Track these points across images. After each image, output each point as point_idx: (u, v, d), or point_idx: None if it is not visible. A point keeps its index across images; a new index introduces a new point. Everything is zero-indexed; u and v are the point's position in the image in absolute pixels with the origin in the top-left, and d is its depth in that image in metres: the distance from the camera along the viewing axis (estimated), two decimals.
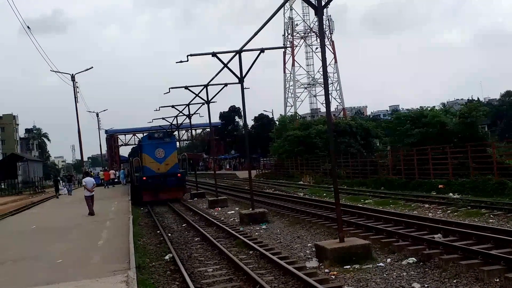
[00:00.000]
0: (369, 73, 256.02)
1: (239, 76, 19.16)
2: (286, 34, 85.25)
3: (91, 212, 20.48)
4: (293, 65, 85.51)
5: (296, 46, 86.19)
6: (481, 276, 8.73)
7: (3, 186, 62.51)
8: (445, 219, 15.12)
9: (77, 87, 40.16)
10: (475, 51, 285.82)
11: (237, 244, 13.80)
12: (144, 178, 29.50)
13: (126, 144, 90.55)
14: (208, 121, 30.47)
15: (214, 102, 28.08)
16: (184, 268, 11.05)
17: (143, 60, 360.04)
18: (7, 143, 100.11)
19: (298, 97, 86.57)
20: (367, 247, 10.92)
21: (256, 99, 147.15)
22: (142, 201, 29.24)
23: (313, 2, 11.33)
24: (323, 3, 11.39)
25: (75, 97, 39.89)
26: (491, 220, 14.73)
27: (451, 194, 21.02)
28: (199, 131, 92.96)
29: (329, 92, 13.09)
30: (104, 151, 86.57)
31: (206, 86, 25.80)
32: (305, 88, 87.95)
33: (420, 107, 35.94)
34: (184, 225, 19.65)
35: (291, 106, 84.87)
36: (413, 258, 10.47)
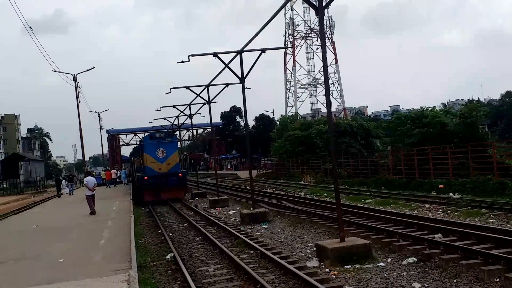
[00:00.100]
0: (370, 73, 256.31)
1: (240, 76, 19.20)
2: (287, 35, 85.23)
3: (92, 212, 20.53)
4: (294, 65, 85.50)
5: (297, 47, 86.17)
6: (481, 276, 8.77)
7: (5, 186, 62.64)
8: (445, 219, 15.15)
9: (79, 87, 40.21)
10: (475, 51, 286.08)
11: (238, 244, 13.84)
12: (146, 177, 29.56)
13: (127, 144, 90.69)
14: (209, 121, 30.51)
15: (215, 102, 28.17)
16: (185, 268, 11.09)
17: (143, 60, 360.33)
18: (9, 142, 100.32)
19: (299, 97, 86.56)
20: (368, 246, 10.95)
21: (257, 99, 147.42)
22: (144, 201, 29.29)
23: (314, 2, 11.38)
24: (324, 4, 11.43)
25: (76, 97, 39.95)
26: (491, 220, 14.76)
27: (451, 194, 21.04)
28: (200, 131, 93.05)
29: (330, 92, 13.11)
30: (105, 151, 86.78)
31: (207, 86, 25.85)
32: (306, 88, 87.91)
33: (421, 107, 36.00)
34: (185, 224, 19.69)
35: (292, 106, 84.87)
36: (414, 258, 10.51)
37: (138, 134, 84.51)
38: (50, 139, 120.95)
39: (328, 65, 12.47)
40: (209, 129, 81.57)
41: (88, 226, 17.20)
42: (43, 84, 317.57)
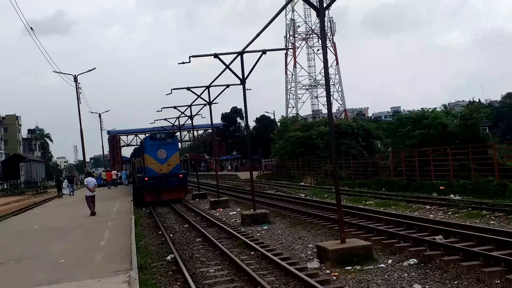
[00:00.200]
0: (370, 73, 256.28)
1: (240, 77, 19.21)
2: (288, 36, 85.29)
3: (92, 212, 20.56)
4: (294, 66, 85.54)
5: (298, 48, 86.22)
6: (482, 278, 8.76)
7: (5, 186, 62.69)
8: (446, 220, 15.14)
9: (80, 88, 40.19)
10: (475, 51, 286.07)
11: (238, 245, 13.84)
12: (146, 178, 29.57)
13: (128, 145, 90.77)
14: (210, 122, 30.54)
15: (216, 103, 28.18)
16: (185, 269, 11.10)
17: (143, 60, 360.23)
18: (9, 143, 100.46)
19: (299, 99, 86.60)
20: (368, 248, 10.95)
21: (257, 100, 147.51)
22: (144, 202, 29.30)
23: (315, 4, 11.38)
24: (324, 5, 11.44)
25: (77, 98, 39.89)
26: (492, 222, 14.74)
27: (452, 195, 21.03)
28: (201, 132, 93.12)
29: (331, 94, 13.12)
30: (106, 151, 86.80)
31: (208, 87, 25.87)
32: (307, 89, 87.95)
33: (422, 108, 36.08)
34: (185, 225, 19.70)
35: (293, 107, 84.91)
36: (414, 259, 10.50)
37: (138, 135, 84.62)
38: (51, 140, 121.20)
39: (328, 66, 12.48)
40: (210, 130, 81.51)
41: (88, 227, 17.22)
42: (43, 84, 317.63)
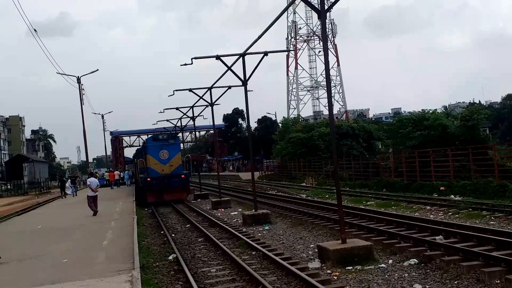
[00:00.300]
0: (370, 75, 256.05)
1: (242, 79, 19.29)
2: (290, 38, 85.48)
3: (94, 212, 20.67)
4: (296, 68, 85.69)
5: (299, 49, 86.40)
6: (482, 278, 8.81)
7: (9, 187, 62.92)
8: (446, 221, 15.18)
9: (83, 89, 40.33)
10: (475, 52, 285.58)
11: (240, 245, 13.91)
12: (149, 179, 29.65)
13: (130, 146, 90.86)
14: (211, 123, 30.61)
15: (217, 104, 28.25)
16: (187, 268, 11.17)
17: (143, 60, 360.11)
18: (13, 144, 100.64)
19: (301, 100, 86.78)
20: (369, 248, 11.01)
21: (259, 102, 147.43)
22: (146, 202, 29.38)
23: (316, 6, 11.47)
24: (326, 7, 11.52)
25: (80, 99, 40.09)
26: (492, 222, 14.80)
27: (452, 196, 21.09)
28: (202, 133, 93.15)
29: (332, 95, 13.23)
30: (109, 152, 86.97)
31: (210, 88, 25.95)
32: (308, 90, 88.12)
33: (422, 110, 36.10)
34: (187, 225, 19.77)
35: (294, 108, 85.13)
36: (415, 260, 10.56)
37: (141, 136, 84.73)
38: (54, 141, 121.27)
39: (330, 67, 12.57)
40: (212, 131, 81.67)
41: (91, 227, 17.31)
42: (46, 84, 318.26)
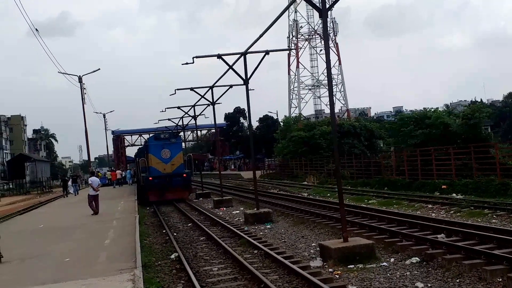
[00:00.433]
0: (372, 74, 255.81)
1: (244, 77, 19.30)
2: (291, 36, 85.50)
3: (96, 211, 20.72)
4: (297, 67, 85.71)
5: (301, 48, 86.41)
6: (484, 276, 8.82)
7: (11, 186, 63.05)
8: (448, 219, 15.20)
9: (84, 88, 40.38)
10: (475, 51, 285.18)
11: (242, 244, 13.93)
12: (150, 178, 29.70)
13: (132, 145, 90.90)
14: (213, 122, 30.62)
15: (219, 103, 28.27)
16: (189, 267, 11.18)
17: (144, 60, 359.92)
18: (15, 143, 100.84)
19: (302, 99, 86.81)
20: (371, 246, 11.01)
21: (260, 101, 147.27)
22: (148, 201, 29.44)
23: (317, 4, 11.47)
24: (327, 6, 11.51)
25: (82, 99, 40.14)
26: (494, 221, 14.80)
27: (454, 194, 21.07)
28: (204, 132, 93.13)
29: (333, 94, 13.21)
30: (110, 151, 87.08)
31: (211, 87, 25.96)
32: (310, 89, 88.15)
33: (424, 108, 36.07)
34: (189, 224, 19.80)
35: (296, 107, 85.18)
36: (417, 258, 10.56)
37: (143, 135, 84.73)
38: (56, 140, 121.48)
39: (331, 66, 12.56)
40: (213, 130, 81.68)
41: (93, 226, 17.33)
42: (48, 84, 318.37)
